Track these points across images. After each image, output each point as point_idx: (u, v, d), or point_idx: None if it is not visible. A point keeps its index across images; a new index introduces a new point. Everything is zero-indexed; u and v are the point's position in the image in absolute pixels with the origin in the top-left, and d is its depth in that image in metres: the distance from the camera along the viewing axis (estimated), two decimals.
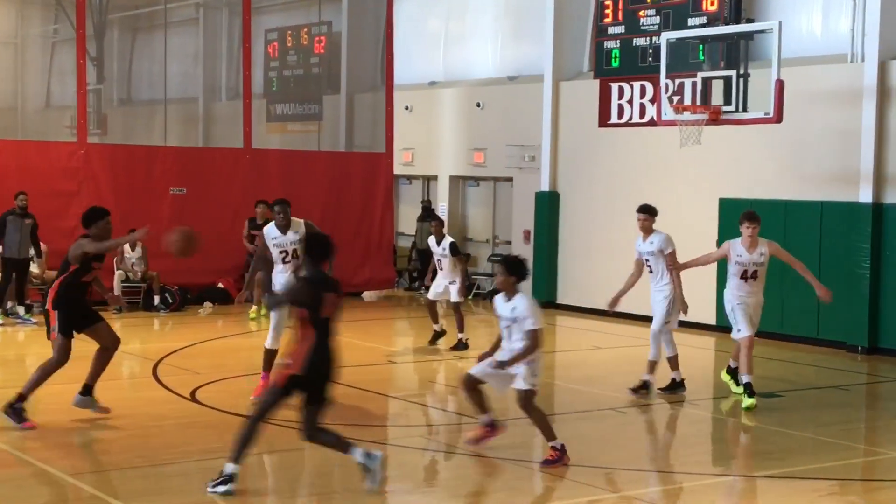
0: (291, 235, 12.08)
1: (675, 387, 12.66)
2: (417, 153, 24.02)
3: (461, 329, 15.56)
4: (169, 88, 22.74)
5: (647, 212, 12.85)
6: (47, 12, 24.64)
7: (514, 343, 9.49)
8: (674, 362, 12.65)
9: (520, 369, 9.42)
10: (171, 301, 19.12)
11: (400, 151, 23.45)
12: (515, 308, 9.50)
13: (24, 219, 17.52)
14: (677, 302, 12.61)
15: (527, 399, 9.54)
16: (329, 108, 24.27)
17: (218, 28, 25.99)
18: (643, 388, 12.56)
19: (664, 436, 11.45)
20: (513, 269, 9.51)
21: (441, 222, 16.39)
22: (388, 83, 22.87)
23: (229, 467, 8.46)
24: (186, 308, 19.27)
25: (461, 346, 15.51)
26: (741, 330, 12.14)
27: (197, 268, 18.80)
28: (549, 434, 9.59)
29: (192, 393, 12.18)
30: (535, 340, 9.26)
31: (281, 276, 11.91)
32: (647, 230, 12.79)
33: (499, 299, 9.71)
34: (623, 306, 13.06)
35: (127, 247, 18.95)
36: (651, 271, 12.75)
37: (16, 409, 10.54)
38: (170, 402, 11.85)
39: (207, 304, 19.66)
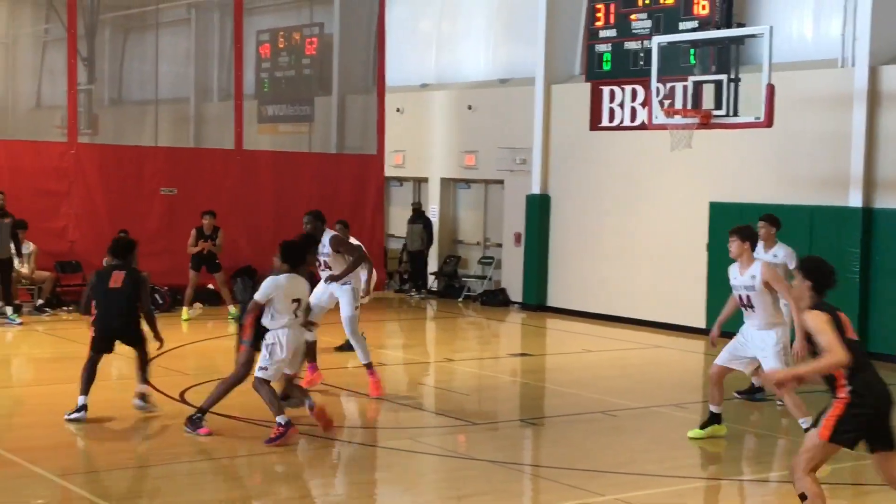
0: (321, 246, 12.35)
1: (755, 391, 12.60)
2: (408, 155, 24.02)
3: None
4: (160, 89, 22.69)
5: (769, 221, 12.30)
6: (38, 12, 24.55)
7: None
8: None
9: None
10: (160, 302, 19.07)
11: (391, 153, 23.45)
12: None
13: (3, 218, 17.48)
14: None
15: (256, 382, 10.12)
16: (320, 110, 24.26)
17: (210, 29, 25.94)
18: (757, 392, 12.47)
19: (654, 439, 11.44)
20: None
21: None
22: (380, 85, 22.87)
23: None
24: (176, 309, 19.23)
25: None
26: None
27: (187, 269, 18.76)
28: (276, 410, 10.03)
29: (182, 394, 12.16)
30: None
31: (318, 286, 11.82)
32: (769, 240, 12.18)
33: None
34: (613, 309, 13.05)
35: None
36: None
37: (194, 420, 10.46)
38: (159, 404, 11.81)
39: (197, 306, 19.62)
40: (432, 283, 23.37)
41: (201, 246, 18.43)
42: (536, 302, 20.55)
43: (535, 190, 20.93)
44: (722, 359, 10.74)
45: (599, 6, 19.78)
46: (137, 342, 11.14)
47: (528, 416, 12.24)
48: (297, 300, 10.34)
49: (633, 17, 19.23)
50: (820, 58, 17.15)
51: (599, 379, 13.88)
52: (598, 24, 19.80)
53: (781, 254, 11.98)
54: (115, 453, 10.03)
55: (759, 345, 10.47)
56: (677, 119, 15.13)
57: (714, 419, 10.86)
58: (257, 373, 10.21)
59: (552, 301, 20.76)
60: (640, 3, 19.04)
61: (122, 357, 12.32)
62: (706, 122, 14.87)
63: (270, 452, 9.94)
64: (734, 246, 10.51)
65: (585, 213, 20.14)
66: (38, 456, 9.56)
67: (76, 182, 19.51)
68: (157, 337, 11.15)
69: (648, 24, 18.85)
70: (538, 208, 20.85)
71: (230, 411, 11.29)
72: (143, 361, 11.23)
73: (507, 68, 22.51)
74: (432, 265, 23.31)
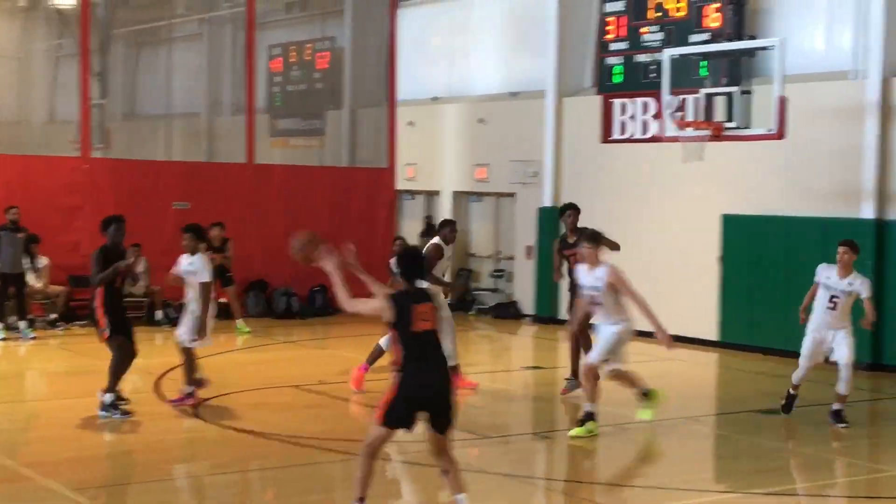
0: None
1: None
2: (420, 168, 24.05)
3: None
4: (173, 103, 22.78)
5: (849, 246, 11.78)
6: (51, 27, 24.66)
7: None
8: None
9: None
10: (173, 316, 19.10)
11: (403, 167, 23.49)
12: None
13: (17, 233, 17.56)
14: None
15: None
16: (332, 124, 24.32)
17: (222, 43, 26.02)
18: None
19: (666, 452, 11.42)
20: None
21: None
22: (391, 98, 22.92)
23: None
24: None
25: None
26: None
27: None
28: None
29: (195, 408, 12.18)
30: None
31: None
32: (848, 267, 11.69)
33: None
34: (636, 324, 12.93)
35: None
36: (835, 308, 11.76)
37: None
38: (173, 418, 11.84)
39: None
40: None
41: (213, 258, 18.46)
42: (548, 315, 20.52)
43: (547, 203, 20.93)
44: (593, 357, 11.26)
45: (610, 19, 19.82)
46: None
47: (540, 429, 12.23)
48: None
49: (644, 29, 19.25)
50: (831, 70, 17.13)
51: (612, 392, 13.82)
52: (609, 36, 19.83)
53: (857, 283, 11.61)
54: (130, 467, 10.04)
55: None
56: (689, 131, 15.14)
57: (590, 417, 11.06)
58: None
59: (564, 314, 20.68)
60: (652, 15, 19.06)
61: (135, 372, 12.35)
62: (718, 135, 14.88)
63: (287, 466, 9.94)
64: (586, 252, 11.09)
65: (597, 225, 19.92)
66: (52, 470, 9.58)
67: (89, 196, 19.58)
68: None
69: (660, 36, 18.87)
70: (550, 221, 20.81)
71: (245, 426, 11.32)
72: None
73: (518, 81, 22.54)
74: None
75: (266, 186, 21.17)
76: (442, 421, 7.71)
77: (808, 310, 12.02)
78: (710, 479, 10.38)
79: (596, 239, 11.14)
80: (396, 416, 7.64)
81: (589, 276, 11.12)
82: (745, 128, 14.74)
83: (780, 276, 17.13)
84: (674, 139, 15.55)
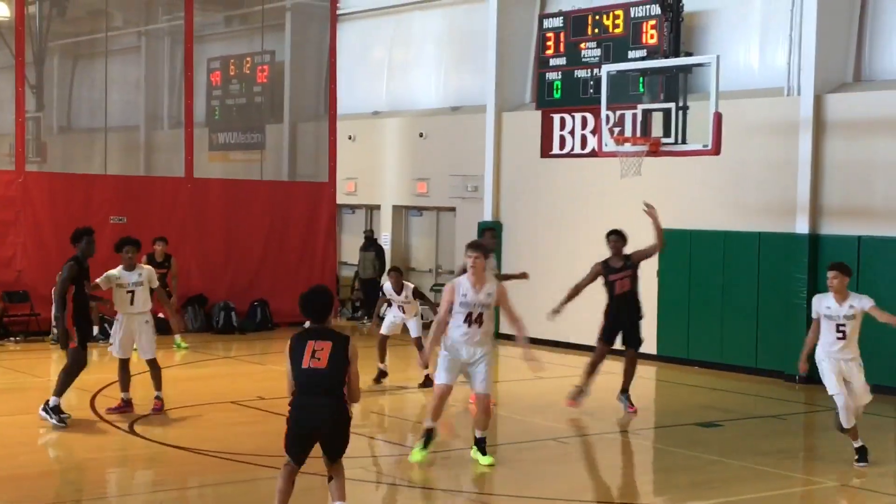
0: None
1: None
2: (360, 182, 24.02)
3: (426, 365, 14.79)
4: (110, 116, 22.52)
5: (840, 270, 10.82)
6: None
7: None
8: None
9: None
10: (109, 332, 18.88)
11: (343, 181, 23.44)
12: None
13: None
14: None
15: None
16: (272, 137, 24.21)
17: (160, 56, 25.83)
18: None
19: (605, 466, 11.49)
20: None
21: (399, 273, 15.85)
22: (332, 112, 22.88)
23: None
24: None
25: (429, 383, 14.23)
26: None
27: None
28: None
29: (131, 425, 12.04)
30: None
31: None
32: (842, 290, 10.71)
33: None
34: (566, 335, 13.09)
35: None
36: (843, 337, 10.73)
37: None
38: (108, 435, 11.69)
39: None
40: (384, 310, 23.26)
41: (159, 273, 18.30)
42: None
43: (487, 217, 21.00)
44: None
45: (550, 35, 19.99)
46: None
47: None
48: None
49: (582, 45, 19.43)
50: (766, 86, 17.39)
51: (551, 406, 13.90)
52: (549, 52, 19.98)
53: (857, 303, 10.62)
54: (63, 485, 9.89)
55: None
56: (627, 147, 15.25)
57: (430, 435, 10.66)
58: None
59: (504, 328, 20.72)
60: (590, 32, 19.26)
61: (70, 388, 12.19)
62: (655, 150, 15.01)
63: (225, 483, 9.86)
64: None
65: (537, 239, 20.22)
66: None
67: (24, 211, 19.31)
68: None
69: (598, 52, 19.06)
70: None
71: (181, 443, 11.22)
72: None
73: (458, 96, 22.62)
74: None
75: (205, 200, 21.01)
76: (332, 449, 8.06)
77: (811, 356, 10.99)
78: (647, 492, 10.45)
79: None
80: (289, 446, 8.04)
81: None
82: (682, 143, 14.87)
83: (717, 290, 17.34)
84: (612, 154, 15.66)
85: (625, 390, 13.60)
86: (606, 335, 13.61)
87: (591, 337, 13.29)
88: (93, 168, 21.66)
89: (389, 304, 15.74)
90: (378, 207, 23.98)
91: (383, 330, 15.72)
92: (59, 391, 11.87)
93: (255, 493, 9.72)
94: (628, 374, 13.59)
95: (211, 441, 11.42)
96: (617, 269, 13.58)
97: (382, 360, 15.57)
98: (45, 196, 19.55)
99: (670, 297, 17.94)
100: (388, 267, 22.84)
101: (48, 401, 11.83)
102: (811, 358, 11.01)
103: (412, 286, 15.72)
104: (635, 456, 11.99)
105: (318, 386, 7.87)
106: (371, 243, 22.98)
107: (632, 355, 13.64)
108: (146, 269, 13.16)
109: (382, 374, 15.54)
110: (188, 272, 20.07)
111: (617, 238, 13.78)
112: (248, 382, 15.43)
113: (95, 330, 18.82)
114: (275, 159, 24.06)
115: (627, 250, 13.75)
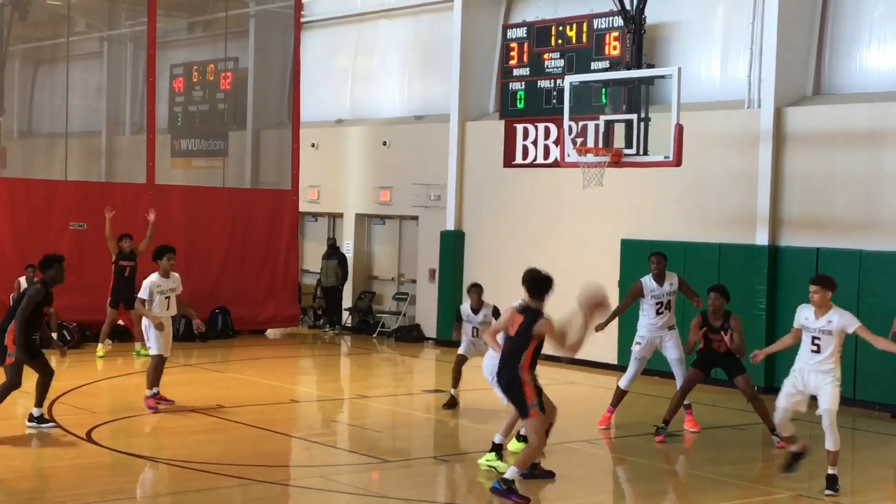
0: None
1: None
2: (323, 190, 23.98)
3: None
4: (71, 122, 22.37)
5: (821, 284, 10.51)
6: None
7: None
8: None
9: None
10: (69, 338, 18.74)
11: (306, 189, 23.39)
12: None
13: None
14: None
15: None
16: (235, 144, 24.13)
17: (122, 61, 25.70)
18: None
19: (567, 476, 11.50)
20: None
21: (480, 289, 14.52)
22: (295, 120, 22.83)
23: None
24: (85, 346, 18.90)
25: (454, 403, 14.24)
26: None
27: (97, 305, 18.46)
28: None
29: (89, 433, 11.94)
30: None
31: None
32: (823, 305, 10.42)
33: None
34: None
35: (24, 283, 18.54)
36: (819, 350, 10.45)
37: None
38: (65, 443, 11.59)
39: (107, 342, 19.29)
40: (347, 318, 23.29)
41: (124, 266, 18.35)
42: (450, 338, 20.56)
43: (450, 226, 21.02)
44: None
45: (513, 45, 20.06)
46: None
47: (441, 453, 12.24)
48: None
49: (545, 56, 19.52)
50: (727, 99, 17.53)
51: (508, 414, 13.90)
52: (512, 62, 20.05)
53: (836, 319, 10.31)
54: (17, 494, 9.79)
55: None
56: (589, 157, 15.31)
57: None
58: None
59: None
60: (553, 42, 19.35)
61: (28, 395, 12.08)
62: (617, 161, 15.08)
63: (184, 492, 9.80)
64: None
65: (499, 249, 20.26)
66: None
67: None
68: None
69: (561, 63, 19.16)
70: (453, 244, 20.94)
71: (139, 452, 11.13)
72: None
73: (422, 105, 22.64)
74: (347, 301, 23.24)
75: (166, 207, 20.86)
76: None
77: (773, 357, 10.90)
78: (606, 502, 10.48)
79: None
80: None
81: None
82: (644, 154, 14.96)
83: (678, 299, 17.40)
84: (574, 165, 15.73)
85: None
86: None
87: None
88: (53, 174, 21.49)
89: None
90: (341, 215, 23.95)
91: (461, 350, 14.44)
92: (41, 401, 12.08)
93: (214, 501, 9.67)
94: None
95: (169, 449, 11.35)
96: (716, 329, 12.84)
97: (456, 384, 14.32)
98: (5, 201, 19.38)
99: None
100: (349, 274, 22.84)
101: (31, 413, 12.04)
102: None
103: (493, 305, 14.33)
104: (595, 465, 12.02)
105: None
106: (334, 251, 22.94)
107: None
108: (176, 276, 13.80)
109: (453, 402, 14.28)
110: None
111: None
112: (209, 390, 15.35)
113: (54, 336, 18.70)
114: (237, 166, 23.98)
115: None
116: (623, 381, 13.48)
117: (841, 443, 10.26)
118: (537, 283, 10.13)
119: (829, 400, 10.25)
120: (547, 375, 13.46)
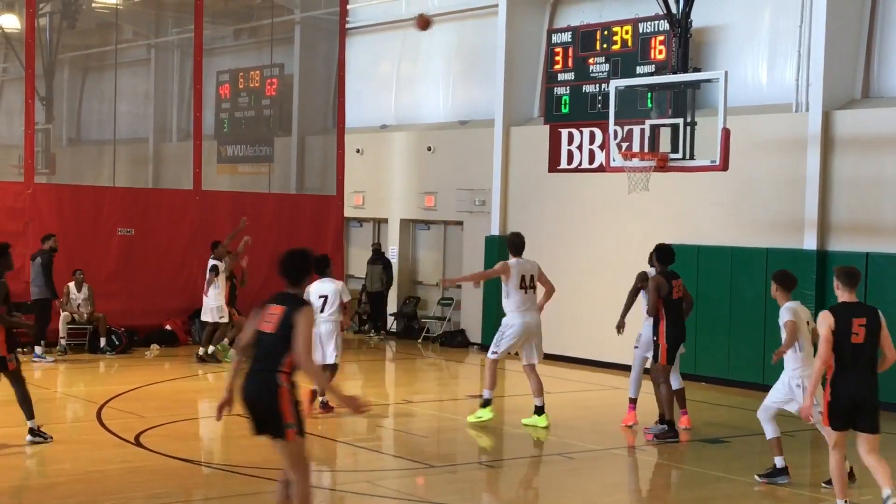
0: None
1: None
2: (368, 196, 24.05)
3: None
4: (119, 129, 22.61)
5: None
6: None
7: None
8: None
9: None
10: (117, 343, 18.93)
11: (350, 194, 23.47)
12: None
13: None
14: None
15: None
16: (280, 150, 24.27)
17: (169, 69, 25.93)
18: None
19: (610, 482, 11.45)
20: None
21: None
22: (340, 126, 22.92)
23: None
24: (133, 350, 19.08)
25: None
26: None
27: (144, 310, 18.62)
28: None
29: (137, 437, 12.03)
30: None
31: None
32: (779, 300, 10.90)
33: None
34: (573, 350, 13.03)
35: (73, 288, 18.78)
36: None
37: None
38: (114, 447, 11.69)
39: (154, 347, 19.47)
40: (392, 324, 23.33)
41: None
42: None
43: (495, 231, 21.00)
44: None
45: (558, 49, 20.02)
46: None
47: (486, 458, 12.22)
48: None
49: (591, 60, 19.45)
50: (774, 102, 17.39)
51: (558, 421, 13.87)
52: (557, 67, 20.01)
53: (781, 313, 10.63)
54: (67, 497, 9.89)
55: None
56: (635, 162, 15.25)
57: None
58: None
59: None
60: (598, 47, 19.28)
61: (77, 400, 12.19)
62: (663, 166, 15.01)
63: (231, 495, 9.85)
64: None
65: (544, 254, 20.16)
66: None
67: (32, 222, 19.35)
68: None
69: (606, 67, 19.09)
70: (497, 249, 20.88)
71: (187, 456, 11.20)
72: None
73: (466, 110, 22.65)
74: (392, 306, 23.29)
75: (212, 213, 21.03)
76: None
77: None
78: None
79: None
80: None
81: None
82: (690, 159, 14.88)
83: (724, 306, 17.30)
84: (619, 169, 15.67)
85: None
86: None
87: (599, 352, 13.23)
88: (101, 180, 21.73)
89: None
90: (385, 221, 24.01)
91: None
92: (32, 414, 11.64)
93: None
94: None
95: (217, 453, 11.41)
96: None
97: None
98: (54, 208, 19.61)
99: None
100: (393, 281, 22.87)
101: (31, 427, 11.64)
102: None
103: None
104: (639, 472, 11.96)
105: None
106: (378, 257, 22.99)
107: None
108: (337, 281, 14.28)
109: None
110: (196, 285, 20.08)
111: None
112: None
113: (102, 342, 18.89)
114: (283, 172, 24.11)
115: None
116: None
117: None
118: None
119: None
120: (592, 381, 13.47)
